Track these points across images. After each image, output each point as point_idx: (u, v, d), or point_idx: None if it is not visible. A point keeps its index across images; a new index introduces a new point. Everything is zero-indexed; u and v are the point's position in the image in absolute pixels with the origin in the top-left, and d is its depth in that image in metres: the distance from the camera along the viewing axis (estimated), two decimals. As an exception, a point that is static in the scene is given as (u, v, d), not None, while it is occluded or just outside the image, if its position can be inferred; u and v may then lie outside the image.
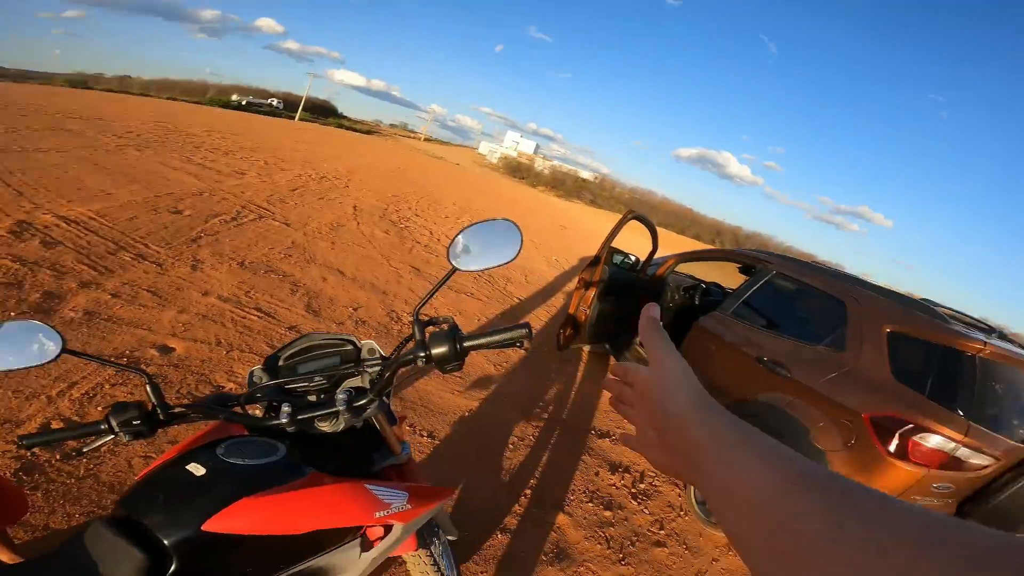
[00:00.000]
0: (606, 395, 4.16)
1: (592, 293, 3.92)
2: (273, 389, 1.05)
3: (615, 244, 4.30)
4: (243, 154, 10.42)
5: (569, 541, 2.44)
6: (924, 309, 2.66)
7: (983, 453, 2.18)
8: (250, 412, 1.03)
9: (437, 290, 0.98)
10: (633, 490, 2.99)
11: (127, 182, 5.66)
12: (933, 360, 2.38)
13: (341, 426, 1.00)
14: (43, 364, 0.88)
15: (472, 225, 0.98)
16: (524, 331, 0.97)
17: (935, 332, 2.45)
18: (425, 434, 2.82)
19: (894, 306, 2.69)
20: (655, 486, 3.12)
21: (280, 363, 1.13)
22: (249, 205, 6.09)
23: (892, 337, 2.55)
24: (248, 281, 3.93)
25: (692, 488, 3.03)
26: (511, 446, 3.01)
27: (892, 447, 2.23)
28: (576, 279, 3.90)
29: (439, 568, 1.32)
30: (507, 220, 1.00)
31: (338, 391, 0.99)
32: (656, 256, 4.65)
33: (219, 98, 47.41)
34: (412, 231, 7.37)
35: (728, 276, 4.35)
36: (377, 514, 0.94)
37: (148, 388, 0.91)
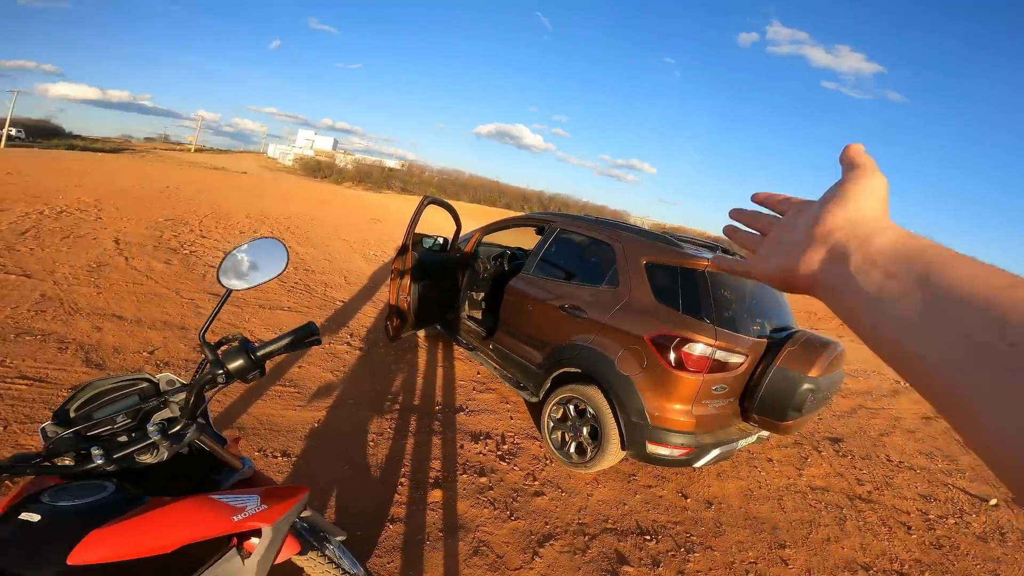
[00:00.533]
0: (451, 373, 4.32)
1: (408, 280, 4.01)
2: (73, 439, 1.01)
3: (421, 231, 4.43)
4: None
5: (458, 513, 2.58)
6: (665, 240, 3.20)
7: (735, 352, 2.78)
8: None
9: (218, 312, 1.04)
10: (498, 452, 3.24)
11: None
12: (678, 280, 2.93)
13: (165, 455, 1.02)
14: None
15: (236, 248, 1.08)
16: (310, 328, 1.10)
17: (674, 257, 3.01)
18: (279, 455, 2.73)
19: (645, 242, 3.21)
20: (517, 444, 3.41)
21: (72, 414, 1.08)
22: (-37, 259, 4.84)
23: (648, 267, 3.08)
24: (-11, 353, 3.19)
25: (549, 436, 3.32)
26: (372, 443, 3.04)
27: (672, 360, 2.73)
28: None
29: (342, 568, 1.34)
30: (270, 238, 1.12)
31: (149, 424, 1.02)
32: (463, 233, 4.88)
33: None
34: (201, 255, 6.59)
35: (529, 240, 4.77)
36: (234, 518, 0.95)
37: None
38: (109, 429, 1.07)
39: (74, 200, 9.25)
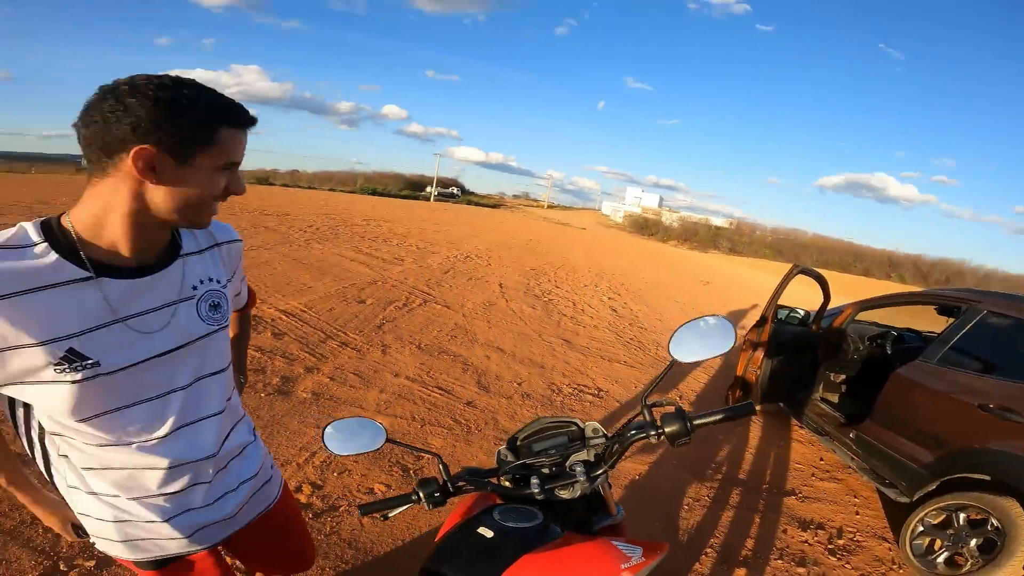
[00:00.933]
0: (786, 453, 4.00)
1: (761, 354, 3.90)
2: (521, 466, 1.28)
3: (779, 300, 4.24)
4: (397, 240, 11.81)
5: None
6: None
7: None
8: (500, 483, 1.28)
9: (661, 379, 1.15)
10: (830, 546, 2.91)
11: (320, 275, 6.77)
12: None
13: (578, 493, 1.20)
14: (373, 451, 1.22)
15: (688, 322, 1.16)
16: (748, 408, 1.14)
17: None
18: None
19: None
20: (857, 541, 3.00)
21: (518, 443, 1.35)
22: (414, 291, 6.91)
23: None
24: (427, 363, 4.47)
25: (911, 540, 2.89)
26: (687, 507, 3.06)
27: None
28: (741, 339, 3.91)
29: None
30: (720, 317, 1.15)
31: (568, 463, 1.21)
32: (829, 307, 4.47)
33: (368, 187, 54.03)
34: (556, 304, 7.75)
35: (920, 320, 4.02)
36: (622, 565, 1.04)
37: (440, 467, 1.20)
38: (540, 462, 1.28)
39: (474, 248, 12.14)
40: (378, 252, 9.55)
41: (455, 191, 67.00)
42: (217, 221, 1.04)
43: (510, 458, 1.30)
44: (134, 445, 0.90)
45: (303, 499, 2.52)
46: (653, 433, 1.13)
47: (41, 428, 0.91)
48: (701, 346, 1.13)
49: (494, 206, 60.53)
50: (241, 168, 0.89)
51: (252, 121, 0.87)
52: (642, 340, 6.69)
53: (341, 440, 1.21)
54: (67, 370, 0.80)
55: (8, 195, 10.52)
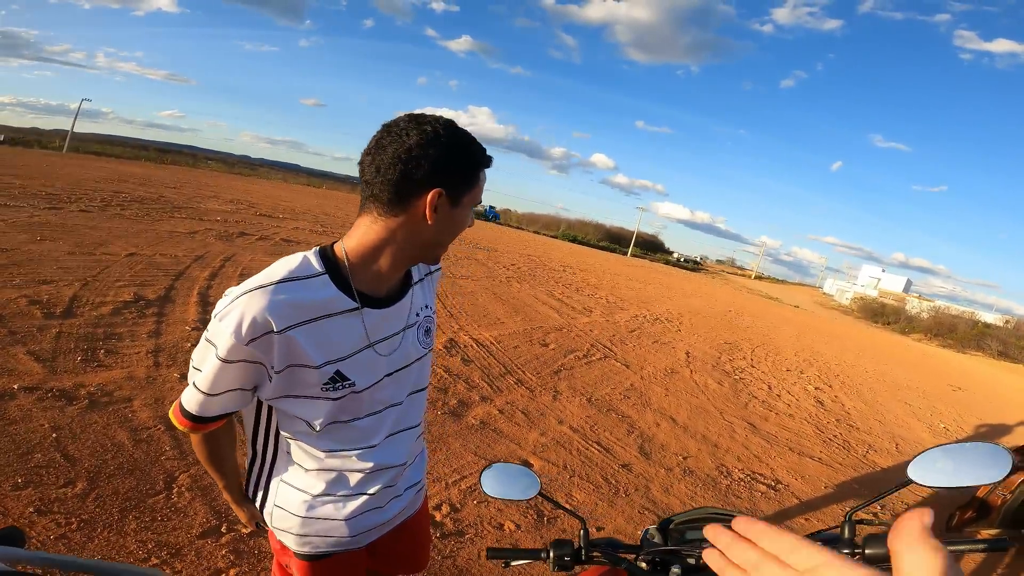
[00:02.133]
0: None
1: (1020, 478, 3.19)
2: (663, 552, 1.21)
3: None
4: (589, 291, 12.10)
5: None
6: None
7: None
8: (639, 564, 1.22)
9: (882, 498, 0.99)
10: None
11: (513, 313, 7.32)
12: None
13: None
14: (525, 500, 1.28)
15: (949, 444, 0.98)
16: (1000, 543, 0.94)
17: None
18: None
19: None
20: None
21: (671, 526, 1.28)
22: (597, 344, 7.02)
23: None
24: (593, 417, 4.50)
25: None
26: None
27: None
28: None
29: None
30: (995, 445, 0.94)
31: None
32: None
33: (569, 233, 56.43)
34: (748, 384, 7.14)
35: None
36: None
37: (581, 532, 1.18)
38: (690, 552, 1.21)
39: (665, 311, 11.83)
40: (569, 300, 9.91)
41: (682, 259, 66.14)
42: None
43: (656, 539, 1.26)
44: (352, 450, 1.01)
45: (438, 516, 2.72)
46: (847, 551, 0.97)
47: (277, 431, 1.01)
48: (956, 470, 0.94)
49: (693, 268, 58.10)
50: None
51: (491, 161, 0.96)
52: (849, 440, 5.78)
53: (497, 482, 1.24)
54: (331, 389, 0.92)
55: (306, 203, 13.41)
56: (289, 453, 1.03)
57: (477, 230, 23.10)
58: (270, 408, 0.99)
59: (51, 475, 2.35)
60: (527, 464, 3.48)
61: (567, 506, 2.97)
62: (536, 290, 9.96)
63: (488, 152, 0.93)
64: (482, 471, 1.21)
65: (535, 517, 2.92)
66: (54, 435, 2.61)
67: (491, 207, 53.45)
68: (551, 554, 1.14)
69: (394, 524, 1.19)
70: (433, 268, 1.17)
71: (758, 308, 22.13)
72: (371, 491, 1.06)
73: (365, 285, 0.93)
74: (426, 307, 1.11)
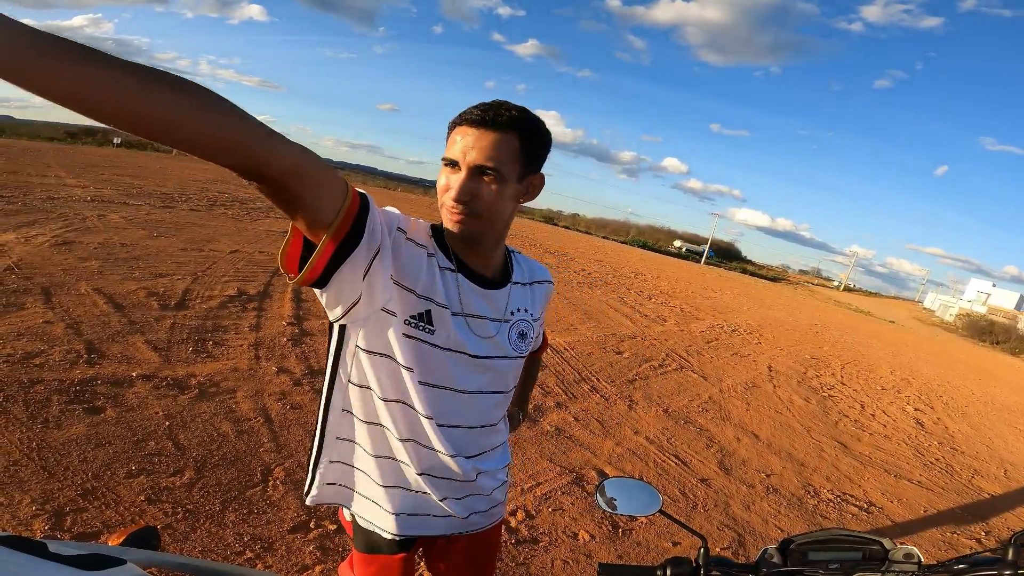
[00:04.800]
0: None
1: None
2: (786, 571, 1.14)
3: None
4: (662, 299, 11.79)
5: None
6: None
7: None
8: None
9: None
10: None
11: (586, 319, 7.25)
12: None
13: None
14: (646, 516, 1.26)
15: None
16: None
17: None
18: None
19: None
20: None
21: (791, 546, 1.19)
22: (672, 354, 6.83)
23: None
24: (670, 428, 4.37)
25: None
26: None
27: None
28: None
29: None
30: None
31: None
32: None
33: (639, 239, 55.35)
34: (837, 401, 6.69)
35: None
36: None
37: (702, 551, 1.12)
38: (815, 572, 1.15)
39: (743, 321, 11.32)
40: (642, 307, 9.70)
41: (703, 249, 61.95)
42: (538, 262, 1.21)
43: (776, 559, 1.18)
44: (419, 420, 1.00)
45: (513, 523, 2.71)
46: (1008, 573, 0.92)
47: (347, 377, 1.01)
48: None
49: (773, 279, 55.17)
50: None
51: (464, 117, 0.99)
52: (952, 464, 5.29)
53: (615, 498, 1.20)
54: (414, 326, 0.95)
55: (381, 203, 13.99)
56: (349, 409, 1.03)
57: (546, 234, 23.16)
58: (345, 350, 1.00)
59: (162, 463, 2.51)
60: (630, 476, 3.43)
61: (690, 526, 2.84)
62: (608, 296, 9.82)
63: (472, 108, 0.94)
64: (599, 484, 1.19)
65: (610, 528, 2.87)
66: (167, 423, 2.81)
67: (712, 250, 53.81)
68: (668, 571, 1.11)
69: (463, 528, 1.16)
70: (540, 278, 1.19)
71: (848, 322, 20.70)
72: (423, 470, 1.04)
73: (462, 253, 1.01)
74: (525, 310, 1.12)
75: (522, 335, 1.10)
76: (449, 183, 0.95)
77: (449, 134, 0.96)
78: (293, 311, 5.05)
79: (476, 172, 0.93)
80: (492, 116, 0.92)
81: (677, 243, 58.10)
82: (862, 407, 6.79)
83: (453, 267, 0.99)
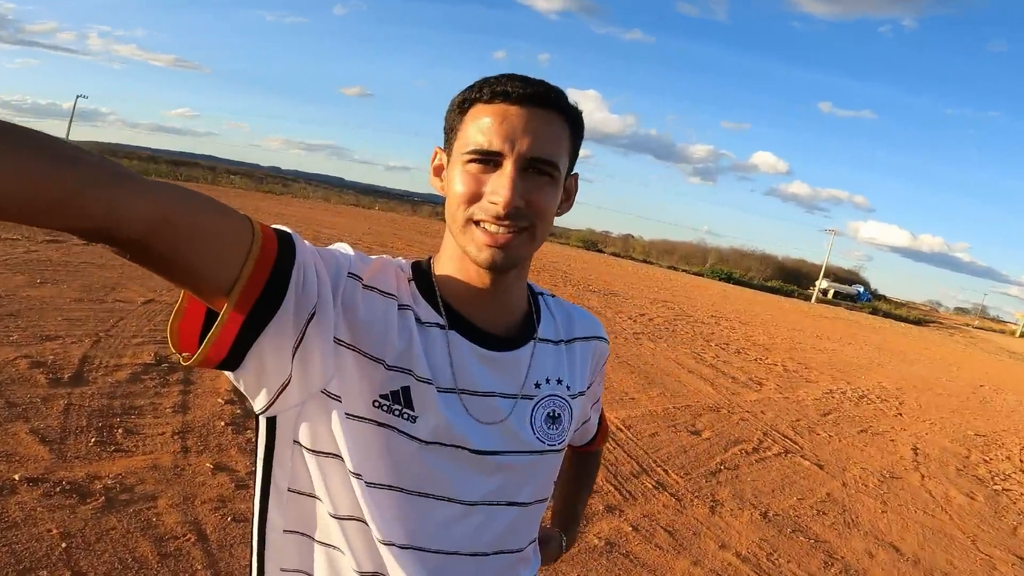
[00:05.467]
0: None
1: None
2: None
3: None
4: (756, 353, 11.74)
5: None
6: None
7: None
8: None
9: None
10: None
11: (647, 384, 7.28)
12: None
13: None
14: None
15: None
16: None
17: None
18: None
19: None
20: None
21: None
22: (772, 432, 6.80)
23: None
24: (771, 540, 4.32)
25: None
26: None
27: None
28: None
29: None
30: None
31: None
32: None
33: (721, 268, 55.29)
34: (1015, 498, 6.54)
35: None
36: None
37: None
38: None
39: (875, 384, 11.19)
40: (727, 366, 9.68)
41: (857, 290, 62.77)
42: (581, 309, 1.18)
43: None
44: (391, 547, 0.94)
45: None
46: None
47: (277, 486, 0.96)
48: None
49: (917, 321, 54.32)
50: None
51: (493, 88, 0.93)
52: None
53: None
54: (386, 409, 0.91)
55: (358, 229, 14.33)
56: (294, 530, 0.98)
57: (590, 267, 23.36)
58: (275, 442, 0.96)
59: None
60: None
61: None
62: (677, 352, 9.82)
63: (504, 79, 0.92)
64: None
65: None
66: (63, 545, 2.85)
67: (864, 290, 56.34)
68: None
69: None
70: (583, 333, 1.16)
71: (1027, 380, 20.24)
72: None
73: (456, 301, 0.99)
74: (558, 381, 1.07)
75: (553, 419, 1.05)
76: (482, 187, 0.91)
77: (467, 116, 0.94)
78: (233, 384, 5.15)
79: (529, 169, 0.91)
80: (544, 92, 0.92)
81: (822, 284, 57.85)
82: (1056, 506, 6.62)
83: (442, 322, 0.96)
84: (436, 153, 1.02)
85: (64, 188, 0.60)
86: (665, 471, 5.06)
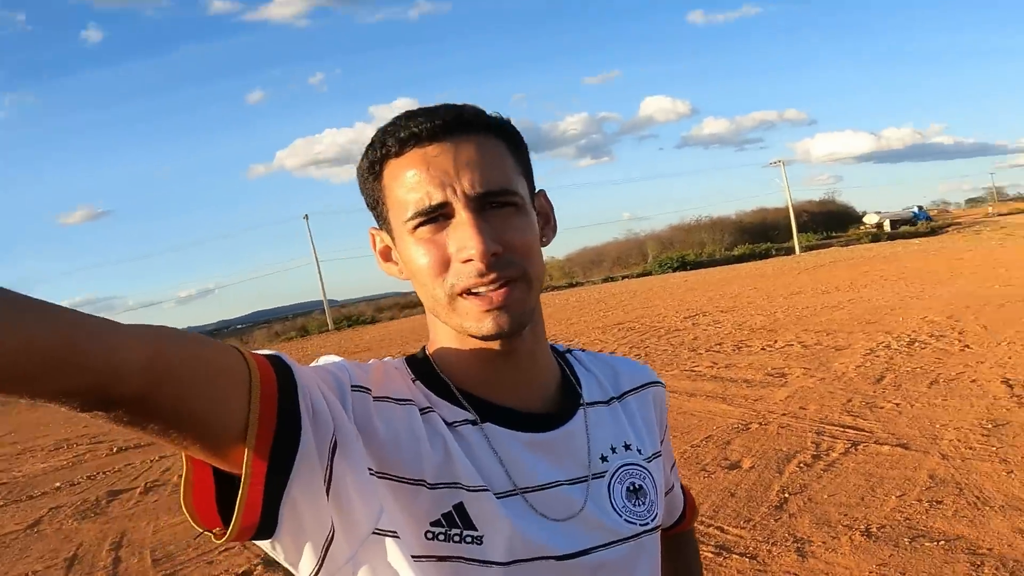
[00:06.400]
0: None
1: None
2: None
3: None
4: (761, 340, 11.97)
5: None
6: None
7: None
8: None
9: None
10: None
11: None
12: None
13: None
14: None
15: None
16: None
17: None
18: None
19: None
20: None
21: None
22: (826, 427, 6.97)
23: None
24: (892, 561, 4.35)
25: None
26: None
27: None
28: None
29: None
30: None
31: None
32: None
33: (668, 256, 56.62)
34: None
35: None
36: None
37: None
38: None
39: (920, 322, 11.63)
40: (732, 370, 9.86)
41: (913, 212, 68.19)
42: (620, 358, 1.27)
43: None
44: None
45: None
46: None
47: None
48: None
49: (931, 232, 57.06)
50: None
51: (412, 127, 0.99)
52: None
53: None
54: (444, 539, 0.94)
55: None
56: None
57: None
58: None
59: None
60: None
61: None
62: (666, 377, 9.89)
63: (409, 117, 0.99)
64: None
65: None
66: None
67: (920, 209, 64.33)
68: None
69: None
70: (632, 383, 1.22)
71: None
72: None
73: (476, 387, 1.03)
74: (626, 447, 1.13)
75: (635, 492, 1.10)
76: (446, 249, 0.96)
77: (385, 179, 1.00)
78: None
79: (486, 206, 0.95)
80: (456, 115, 0.97)
81: (871, 222, 62.58)
82: None
83: (472, 416, 1.01)
84: (373, 237, 1.08)
85: (63, 341, 0.64)
86: (719, 526, 5.05)
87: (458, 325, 0.98)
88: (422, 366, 1.05)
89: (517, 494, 0.98)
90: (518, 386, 1.04)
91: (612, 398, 1.16)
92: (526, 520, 0.97)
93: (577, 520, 1.01)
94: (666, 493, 1.26)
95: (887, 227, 62.08)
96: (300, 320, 51.23)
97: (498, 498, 0.96)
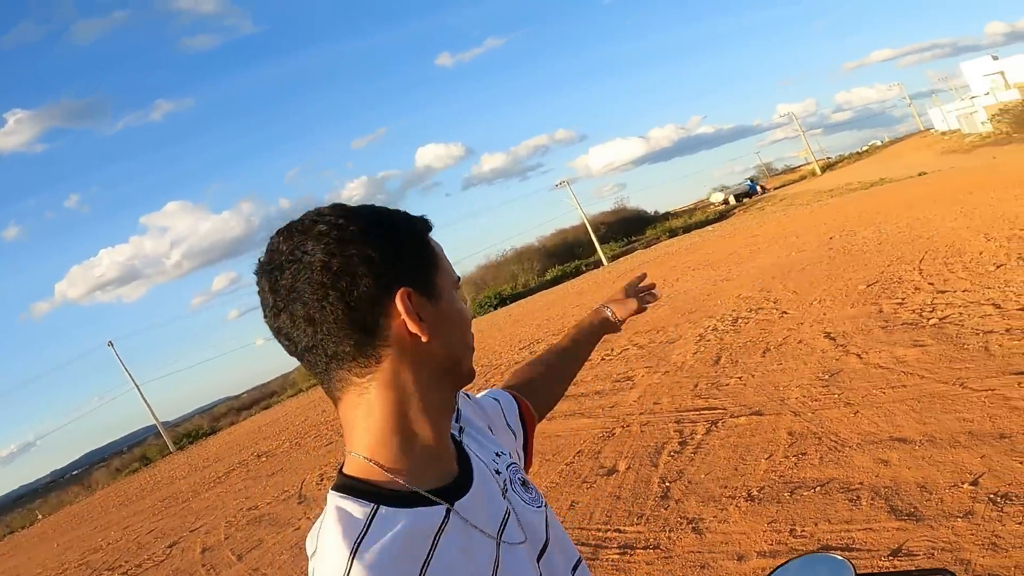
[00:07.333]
0: None
1: None
2: None
3: None
4: (599, 354, 12.28)
5: None
6: None
7: None
8: None
9: None
10: None
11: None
12: None
13: None
14: None
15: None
16: None
17: None
18: None
19: None
20: None
21: None
22: (685, 415, 7.24)
23: None
24: (781, 516, 4.59)
25: None
26: None
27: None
28: None
29: None
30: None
31: None
32: None
33: (485, 298, 57.02)
34: (957, 320, 7.47)
35: None
36: None
37: None
38: None
39: (738, 299, 12.21)
40: (579, 385, 10.05)
41: (747, 184, 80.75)
42: None
43: None
44: None
45: None
46: None
47: None
48: None
49: (721, 216, 59.93)
50: None
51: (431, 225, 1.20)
52: None
53: None
54: None
55: None
56: None
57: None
58: None
59: None
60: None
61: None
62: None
63: (408, 215, 1.13)
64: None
65: None
66: None
67: (751, 181, 72.79)
68: None
69: None
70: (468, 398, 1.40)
71: (868, 210, 23.14)
72: None
73: (427, 476, 1.05)
74: (496, 456, 1.24)
75: (524, 483, 1.25)
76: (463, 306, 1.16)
77: (429, 245, 1.13)
78: None
79: None
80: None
81: (717, 199, 74.31)
82: (999, 307, 7.64)
83: (443, 503, 1.03)
84: (409, 295, 1.02)
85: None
86: (617, 531, 5.18)
87: (468, 367, 1.12)
88: (370, 487, 1.02)
89: (499, 544, 1.07)
90: (438, 453, 1.08)
91: (461, 427, 1.25)
92: (518, 559, 1.08)
93: (524, 526, 1.13)
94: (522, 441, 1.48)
95: (732, 201, 73.20)
96: (137, 450, 48.24)
97: (494, 558, 1.05)
